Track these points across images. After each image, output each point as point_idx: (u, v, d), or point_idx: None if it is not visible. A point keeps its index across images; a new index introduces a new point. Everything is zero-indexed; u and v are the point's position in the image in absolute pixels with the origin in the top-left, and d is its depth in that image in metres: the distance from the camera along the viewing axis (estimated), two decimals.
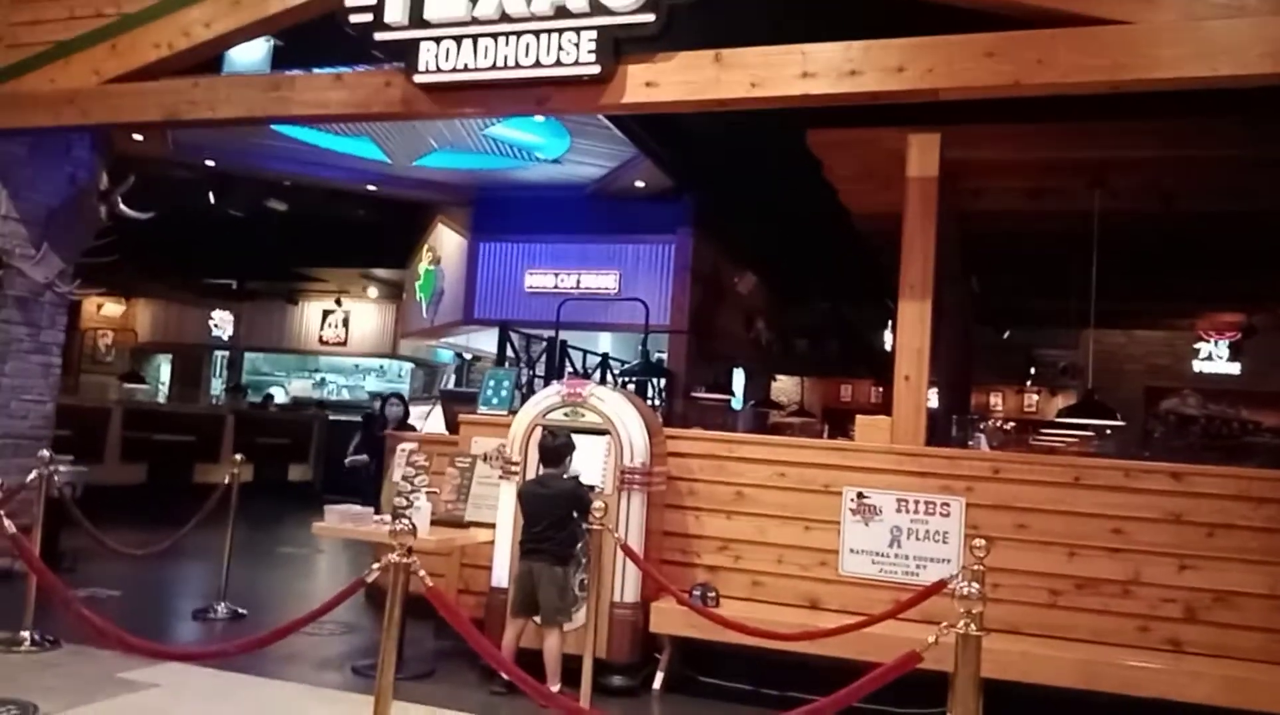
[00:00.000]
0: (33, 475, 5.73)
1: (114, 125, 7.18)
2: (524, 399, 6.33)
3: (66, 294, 7.65)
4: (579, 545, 5.24)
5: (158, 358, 22.18)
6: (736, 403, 15.84)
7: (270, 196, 14.11)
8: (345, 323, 20.33)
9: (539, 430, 5.51)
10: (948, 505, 5.54)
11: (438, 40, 5.64)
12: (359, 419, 11.83)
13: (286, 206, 14.29)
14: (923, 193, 6.11)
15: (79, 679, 4.88)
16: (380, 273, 19.11)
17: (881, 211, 7.02)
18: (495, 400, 6.74)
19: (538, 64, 5.47)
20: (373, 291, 19.88)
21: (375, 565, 3.52)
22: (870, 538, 5.65)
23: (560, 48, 5.42)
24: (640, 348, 12.06)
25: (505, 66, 5.53)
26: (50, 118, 6.75)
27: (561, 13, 5.40)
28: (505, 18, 5.49)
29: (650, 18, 5.26)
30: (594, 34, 5.36)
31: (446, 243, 15.34)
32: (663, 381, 12.78)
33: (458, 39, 5.60)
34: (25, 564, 4.63)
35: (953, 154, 6.17)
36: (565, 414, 5.62)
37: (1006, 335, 16.06)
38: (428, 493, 5.53)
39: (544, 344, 12.13)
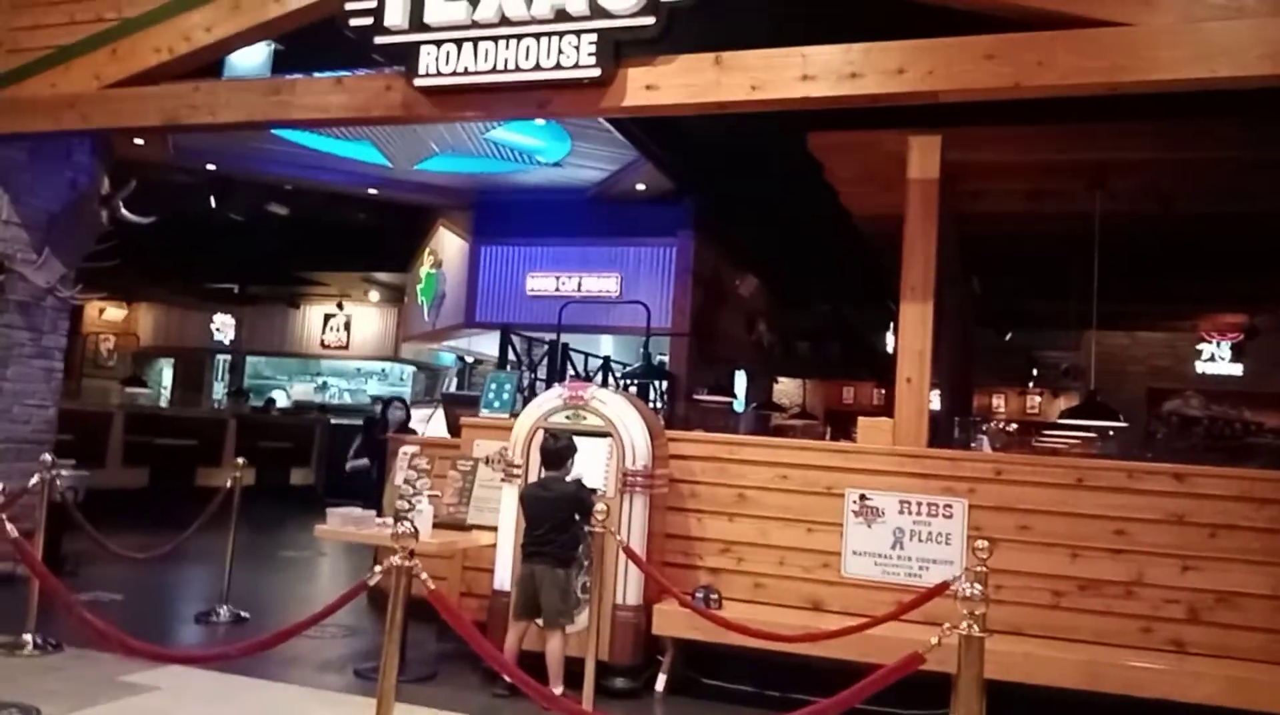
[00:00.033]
0: (35, 480, 5.73)
1: (114, 130, 7.19)
2: (525, 402, 6.34)
3: (68, 299, 7.65)
4: (581, 548, 5.24)
5: (159, 362, 22.20)
6: (738, 405, 15.84)
7: (271, 200, 14.12)
8: (347, 326, 20.34)
9: (541, 433, 5.51)
10: (950, 507, 5.54)
11: (438, 44, 5.64)
12: (360, 423, 11.85)
13: (287, 210, 14.31)
14: (923, 195, 6.11)
15: (81, 682, 4.88)
16: (381, 276, 19.12)
17: (882, 213, 7.03)
18: (497, 403, 6.75)
19: (538, 67, 5.48)
20: (374, 295, 19.89)
21: (377, 568, 3.52)
22: (873, 539, 5.65)
23: (560, 51, 5.43)
24: (642, 350, 12.05)
25: (505, 70, 5.53)
26: (51, 122, 6.76)
27: (561, 16, 5.41)
28: (505, 21, 5.50)
29: (650, 20, 5.27)
30: (594, 37, 5.37)
31: (448, 246, 15.35)
32: (664, 384, 12.78)
33: (458, 42, 5.61)
34: (28, 568, 4.63)
35: (953, 156, 6.18)
36: (567, 417, 5.63)
37: (1008, 337, 16.05)
38: (429, 496, 5.54)
39: (545, 347, 12.12)
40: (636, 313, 12.02)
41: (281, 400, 20.39)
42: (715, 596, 5.62)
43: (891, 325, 11.85)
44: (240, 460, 7.11)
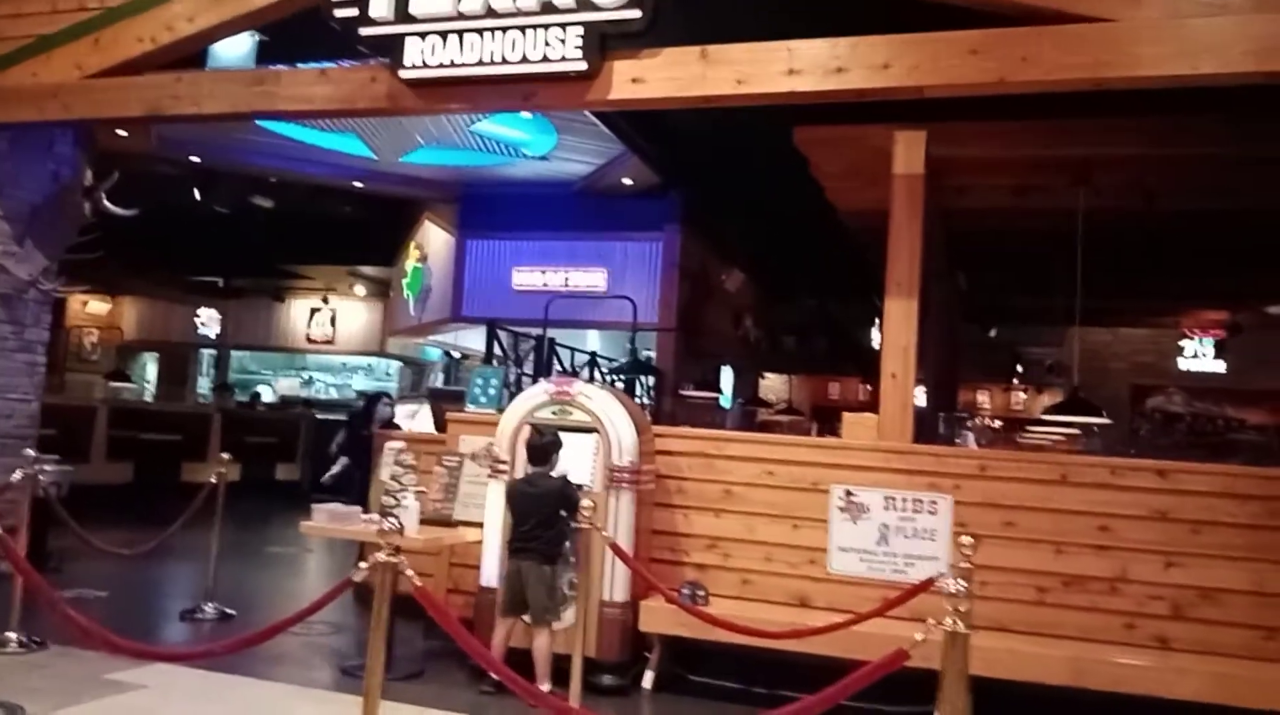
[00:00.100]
0: (18, 475, 5.68)
1: (97, 120, 7.14)
2: (512, 397, 6.32)
3: (51, 291, 7.59)
4: (567, 544, 5.23)
5: (144, 356, 22.06)
6: (725, 401, 15.84)
7: (256, 193, 14.05)
8: (332, 321, 20.27)
9: (527, 429, 5.50)
10: (935, 503, 5.56)
11: (423, 35, 5.62)
12: (345, 417, 11.80)
13: (272, 203, 14.23)
14: (909, 190, 6.12)
15: (66, 680, 4.85)
16: (367, 270, 19.05)
17: (868, 209, 7.03)
18: (483, 399, 6.73)
19: (524, 60, 5.46)
20: (360, 289, 19.81)
21: (363, 565, 3.50)
22: (858, 535, 5.66)
23: (546, 43, 5.41)
24: (628, 345, 12.06)
25: (491, 62, 5.51)
26: (33, 112, 6.70)
27: (548, 8, 5.39)
28: (491, 13, 5.48)
29: (636, 14, 5.25)
30: (580, 30, 5.35)
31: (434, 240, 15.30)
32: (651, 379, 12.78)
33: (443, 34, 5.58)
34: (11, 565, 4.59)
35: (938, 151, 6.18)
36: (553, 412, 5.61)
37: (993, 333, 16.10)
38: (416, 492, 5.52)
39: (532, 342, 12.11)
40: (623, 308, 12.01)
41: (267, 395, 20.31)
42: (702, 593, 5.62)
43: (877, 321, 11.87)
44: (225, 455, 7.07)
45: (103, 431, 12.74)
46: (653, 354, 13.33)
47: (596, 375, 12.78)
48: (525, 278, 13.66)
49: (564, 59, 5.39)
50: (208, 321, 20.87)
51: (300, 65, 6.35)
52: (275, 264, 19.04)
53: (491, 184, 13.46)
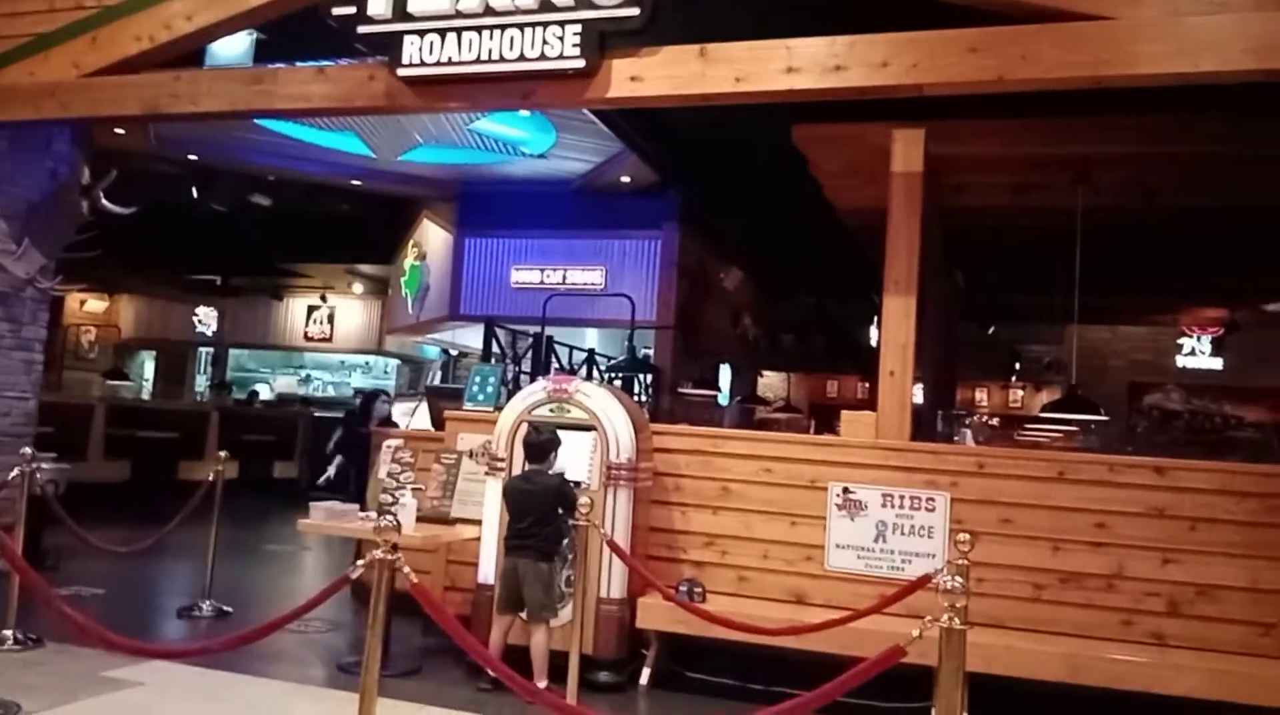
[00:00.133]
0: (15, 473, 5.69)
1: (94, 119, 7.13)
2: (510, 395, 6.32)
3: (48, 290, 7.59)
4: (564, 541, 5.23)
5: (141, 354, 22.06)
6: (723, 398, 15.85)
7: (254, 191, 14.04)
8: (330, 319, 20.26)
9: (524, 426, 5.49)
10: (933, 500, 5.56)
11: (421, 33, 5.61)
12: (343, 415, 11.80)
13: (270, 201, 14.22)
14: (907, 188, 6.11)
15: (62, 677, 4.85)
16: (365, 268, 19.04)
17: (866, 207, 7.03)
18: (481, 396, 6.73)
19: (522, 58, 5.45)
20: (358, 287, 19.81)
21: (360, 562, 3.50)
22: (856, 533, 5.67)
23: (545, 41, 5.41)
24: (626, 343, 12.06)
25: (489, 60, 5.51)
26: (30, 111, 6.69)
27: (546, 6, 5.38)
28: (489, 11, 5.47)
29: (635, 11, 5.25)
30: (579, 28, 5.35)
31: (432, 238, 15.29)
32: (649, 377, 12.78)
33: (441, 32, 5.58)
34: (7, 562, 4.58)
35: (937, 149, 6.18)
36: (551, 410, 5.61)
37: (991, 331, 16.11)
38: (413, 489, 5.52)
39: (530, 340, 12.11)
40: (621, 306, 12.01)
41: (265, 393, 20.31)
42: (699, 590, 5.62)
43: (875, 318, 11.87)
44: (223, 453, 7.07)
45: (100, 429, 12.73)
46: (651, 352, 13.33)
47: (594, 373, 12.77)
48: (523, 276, 13.66)
49: (562, 57, 5.39)
50: (205, 319, 20.87)
51: (298, 64, 6.33)
52: (273, 262, 19.04)
53: (490, 182, 13.46)
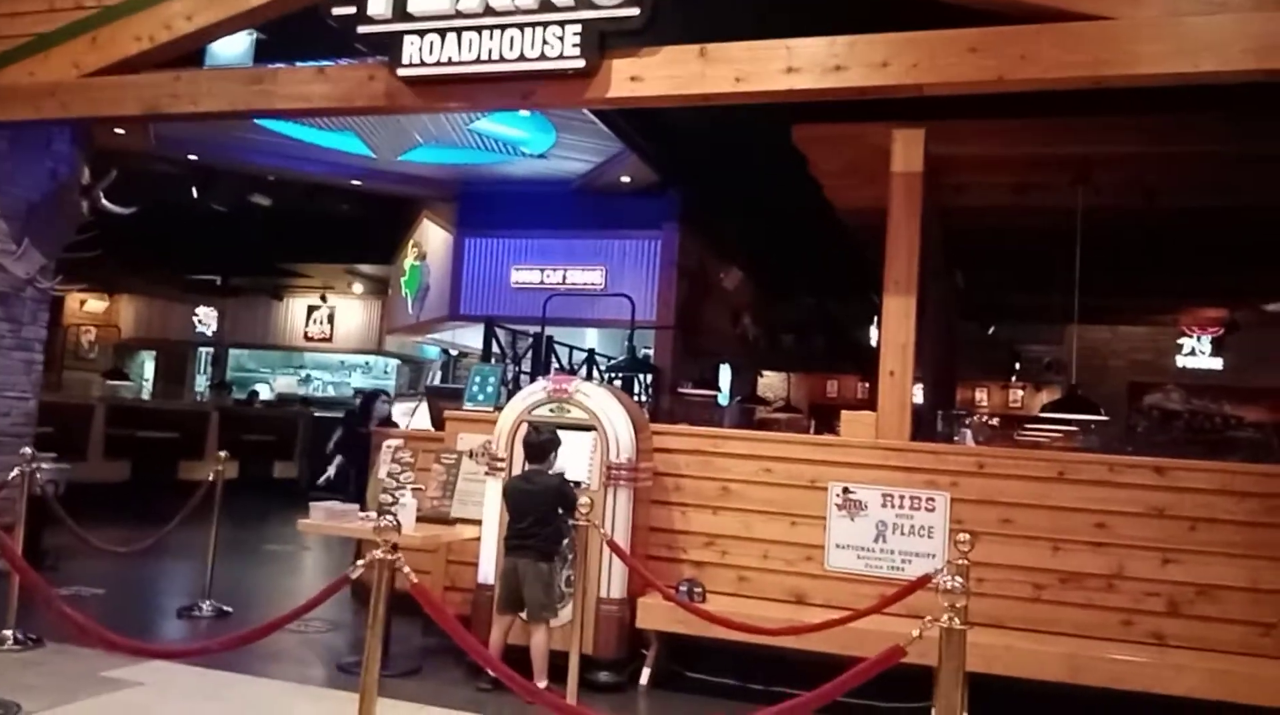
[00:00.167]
0: (15, 473, 5.69)
1: (94, 119, 7.13)
2: (510, 395, 6.32)
3: (48, 290, 7.59)
4: (564, 541, 5.23)
5: (141, 354, 22.06)
6: (723, 398, 15.85)
7: (254, 191, 14.04)
8: (330, 319, 20.26)
9: (524, 426, 5.49)
10: (933, 500, 5.56)
11: (421, 33, 5.61)
12: (342, 415, 11.80)
13: (270, 201, 14.22)
14: (907, 188, 6.11)
15: (62, 677, 4.85)
16: (365, 268, 19.04)
17: (866, 207, 7.02)
18: (481, 396, 6.73)
19: (522, 58, 5.45)
20: (358, 287, 19.81)
21: (360, 562, 3.50)
22: (856, 533, 5.67)
23: (545, 41, 5.41)
24: (626, 343, 12.06)
25: (489, 60, 5.51)
26: (30, 111, 6.69)
27: (546, 6, 5.38)
28: (489, 11, 5.47)
29: (635, 11, 5.25)
30: (579, 28, 5.35)
31: (432, 238, 15.29)
32: (649, 377, 12.78)
33: (441, 32, 5.58)
34: (7, 562, 4.58)
35: (937, 149, 6.18)
36: (551, 410, 5.61)
37: (991, 331, 16.11)
38: (413, 489, 5.52)
39: (530, 340, 12.11)
40: (621, 306, 12.01)
41: (265, 393, 20.31)
42: (699, 590, 5.62)
43: (875, 318, 11.87)
44: (223, 453, 7.07)
45: (100, 429, 12.73)
46: (651, 352, 13.33)
47: (594, 373, 12.77)
48: (523, 276, 13.66)
49: (562, 57, 5.39)
50: (205, 320, 20.87)
51: (298, 64, 6.33)
52: (273, 262, 19.04)
53: (490, 182, 13.46)
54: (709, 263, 14.54)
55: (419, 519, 5.59)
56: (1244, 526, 5.14)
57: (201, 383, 21.60)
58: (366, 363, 21.32)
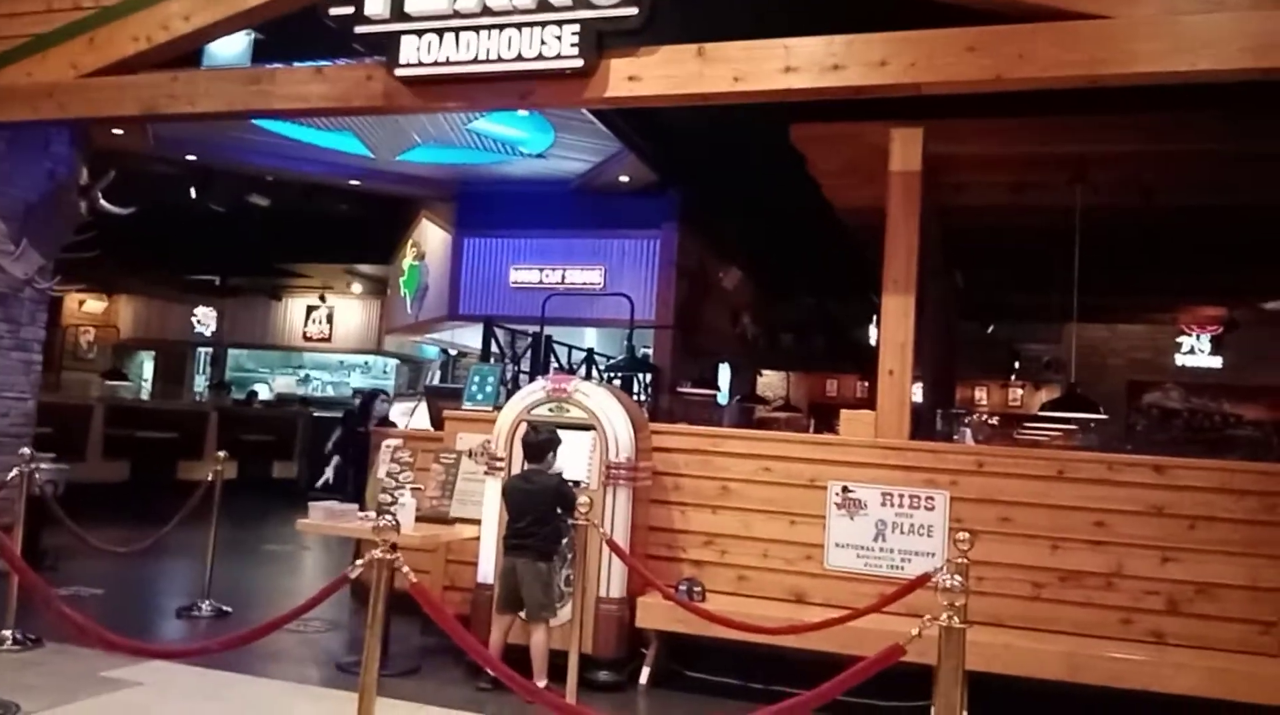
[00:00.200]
0: (14, 473, 5.69)
1: (92, 119, 7.12)
2: (509, 395, 6.32)
3: (47, 290, 7.58)
4: (563, 541, 5.23)
5: (140, 354, 22.05)
6: (722, 398, 15.85)
7: (252, 191, 14.03)
8: (329, 319, 20.26)
9: (524, 426, 5.49)
10: (932, 499, 5.56)
11: (419, 33, 5.61)
12: (341, 415, 11.79)
13: (269, 202, 14.22)
14: (905, 187, 6.12)
15: (62, 677, 4.85)
16: (364, 268, 19.04)
17: (865, 206, 7.03)
18: (480, 396, 6.73)
19: (520, 57, 5.45)
20: (357, 287, 19.80)
21: (359, 562, 3.50)
22: (855, 532, 5.67)
23: (543, 41, 5.41)
24: (626, 343, 12.05)
25: (487, 60, 5.51)
26: (28, 111, 6.69)
27: (544, 6, 5.38)
28: (487, 11, 5.47)
29: (633, 11, 5.25)
30: (576, 27, 5.35)
31: (431, 238, 15.29)
32: (648, 377, 12.78)
33: (439, 32, 5.58)
34: (6, 563, 4.58)
35: (935, 148, 6.18)
36: (550, 409, 5.61)
37: (990, 330, 16.12)
38: (412, 489, 5.52)
39: (529, 339, 12.10)
40: (620, 305, 12.00)
41: (264, 393, 20.31)
42: (699, 589, 5.62)
43: (874, 318, 11.88)
44: (222, 453, 7.06)
45: (99, 430, 12.73)
46: (650, 351, 13.33)
47: (594, 373, 12.77)
48: (522, 275, 13.65)
49: (560, 57, 5.38)
50: (204, 320, 20.87)
51: (296, 64, 6.33)
52: (272, 262, 19.03)
53: (488, 182, 13.45)
54: (708, 262, 14.54)
55: (418, 519, 5.59)
56: (1243, 525, 5.14)
57: (200, 383, 21.60)
58: (365, 363, 21.31)
